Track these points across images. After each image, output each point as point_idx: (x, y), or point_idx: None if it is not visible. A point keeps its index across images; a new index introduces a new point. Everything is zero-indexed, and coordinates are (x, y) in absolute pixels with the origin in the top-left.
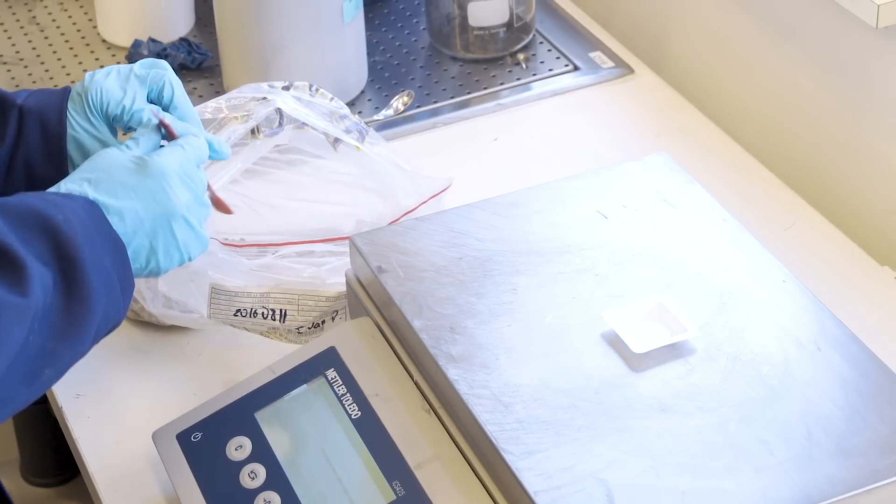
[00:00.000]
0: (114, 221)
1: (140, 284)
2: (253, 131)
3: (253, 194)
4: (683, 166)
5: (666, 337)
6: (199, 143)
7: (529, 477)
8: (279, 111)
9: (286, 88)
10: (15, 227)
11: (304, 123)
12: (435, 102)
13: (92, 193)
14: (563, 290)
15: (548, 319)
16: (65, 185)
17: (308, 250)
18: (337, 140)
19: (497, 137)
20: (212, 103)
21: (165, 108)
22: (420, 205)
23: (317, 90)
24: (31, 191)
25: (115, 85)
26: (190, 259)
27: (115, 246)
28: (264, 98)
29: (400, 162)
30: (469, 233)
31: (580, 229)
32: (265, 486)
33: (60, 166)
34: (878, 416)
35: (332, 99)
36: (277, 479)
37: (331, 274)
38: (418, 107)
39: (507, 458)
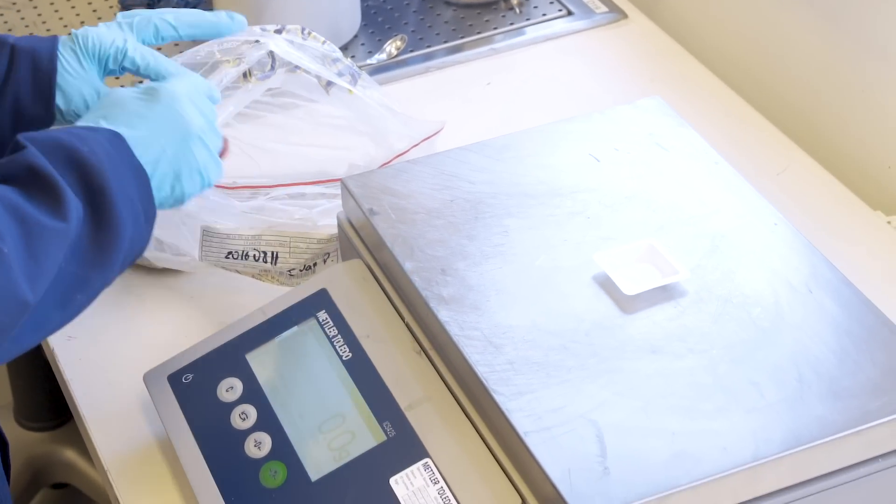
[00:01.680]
0: (137, 151)
1: None
2: (245, 74)
3: (245, 138)
4: (678, 111)
5: (657, 279)
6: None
7: (520, 417)
8: (271, 54)
9: (278, 31)
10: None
11: (296, 67)
12: (428, 47)
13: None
14: (554, 233)
15: (539, 262)
16: (82, 123)
17: (299, 192)
18: (329, 83)
19: (490, 82)
20: (204, 47)
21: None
22: (412, 147)
23: (309, 33)
24: (17, 131)
25: (105, 31)
26: (209, 185)
27: (138, 174)
28: (256, 41)
29: (392, 105)
30: (461, 175)
31: (572, 172)
32: (256, 427)
33: (49, 106)
34: (868, 359)
35: (324, 42)
36: (268, 420)
37: (322, 216)
38: (411, 51)
39: (498, 398)
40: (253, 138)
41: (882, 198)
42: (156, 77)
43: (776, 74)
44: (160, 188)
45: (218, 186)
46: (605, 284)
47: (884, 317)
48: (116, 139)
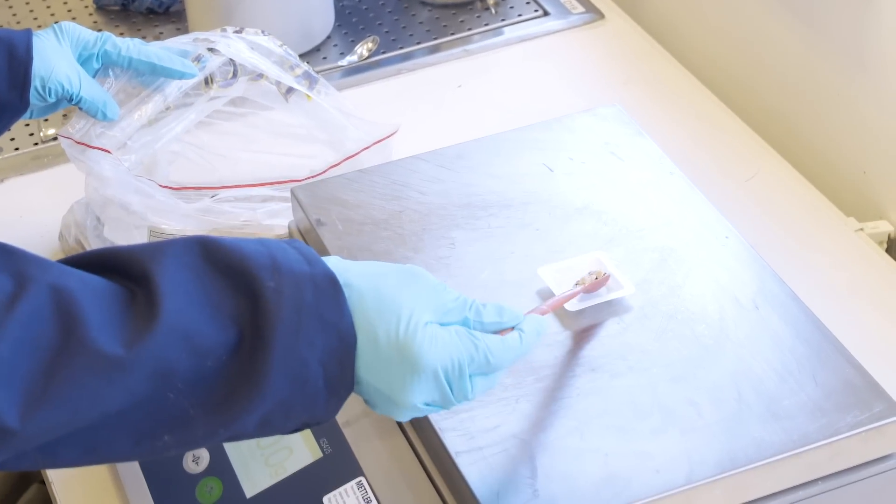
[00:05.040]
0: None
1: (86, 231)
2: (206, 81)
3: (205, 145)
4: (649, 114)
5: (601, 294)
6: (506, 348)
7: (452, 437)
8: (233, 62)
9: (237, 32)
10: (215, 273)
11: (259, 75)
12: (401, 48)
13: (351, 302)
14: (501, 246)
15: (484, 275)
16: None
17: (247, 195)
18: (289, 90)
19: (461, 84)
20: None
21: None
22: (362, 150)
23: (268, 35)
24: None
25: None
26: None
27: (340, 338)
28: (212, 48)
29: (349, 109)
30: (412, 185)
31: (524, 183)
32: None
33: (23, 95)
34: (811, 379)
35: (281, 45)
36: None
37: (268, 217)
38: (384, 52)
39: (432, 417)
40: (212, 145)
41: (856, 204)
42: (136, 66)
43: (755, 75)
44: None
45: (163, 186)
46: (549, 299)
47: (830, 334)
48: (330, 286)
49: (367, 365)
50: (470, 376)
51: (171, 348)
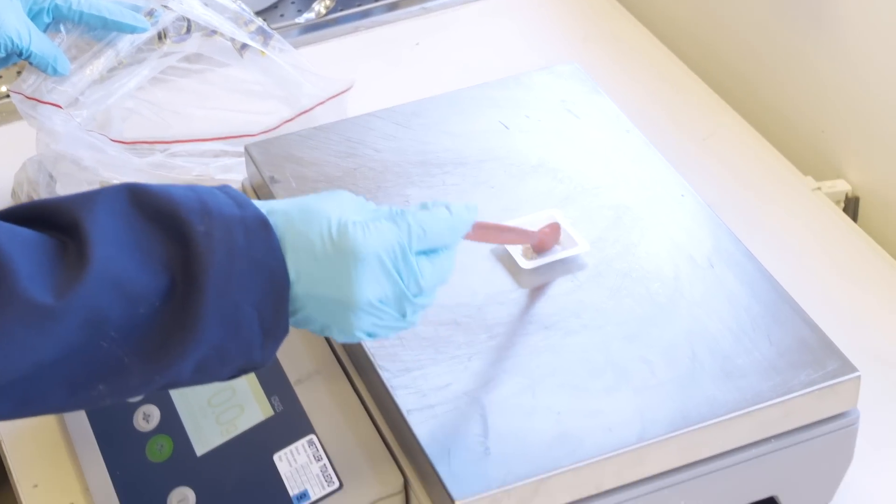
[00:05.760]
0: (288, 258)
1: (39, 188)
2: (159, 36)
3: (159, 101)
4: (607, 72)
5: (556, 252)
6: (438, 222)
7: (403, 395)
8: (186, 19)
9: None
10: (144, 219)
11: (212, 31)
12: (359, 6)
13: (279, 229)
14: None
15: None
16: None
17: (200, 150)
18: (244, 46)
19: (419, 42)
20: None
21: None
22: (317, 105)
23: None
24: None
25: None
26: (382, 337)
27: (273, 280)
28: (164, 4)
29: (304, 65)
30: (367, 143)
31: (480, 140)
32: (145, 401)
33: None
34: (765, 337)
35: (235, 0)
36: (158, 393)
37: (220, 171)
38: (341, 10)
39: (383, 375)
40: (167, 102)
41: (813, 163)
42: (87, 21)
43: (713, 34)
44: (309, 322)
45: (115, 142)
46: (503, 258)
47: (785, 293)
48: (262, 230)
49: (308, 278)
50: (416, 257)
51: (103, 296)
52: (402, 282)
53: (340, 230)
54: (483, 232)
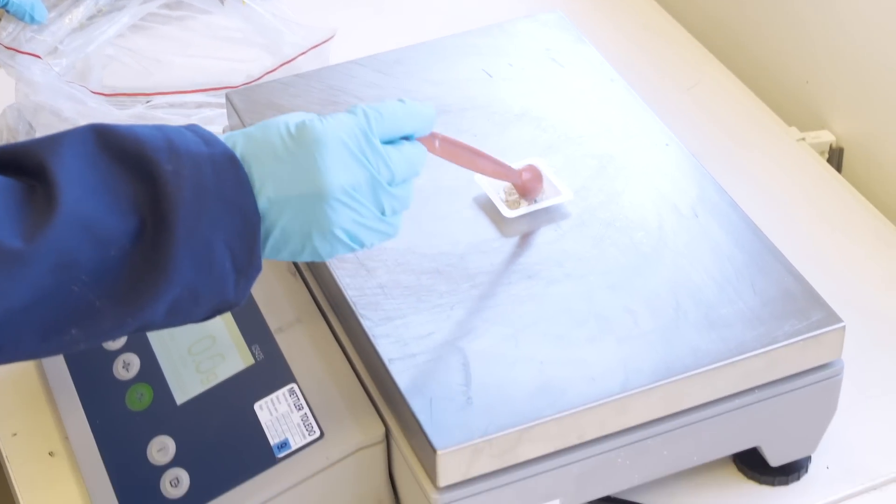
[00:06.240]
0: (256, 189)
1: (19, 137)
2: None
3: (139, 49)
4: (592, 21)
5: (539, 200)
6: (393, 108)
7: (385, 344)
8: None
9: None
10: (111, 160)
11: None
12: None
13: (240, 149)
14: None
15: (420, 181)
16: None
17: (181, 101)
18: None
19: None
20: None
21: None
22: (299, 55)
23: None
24: None
25: None
26: (362, 248)
27: (244, 217)
28: None
29: (286, 13)
30: (349, 90)
31: (463, 88)
32: (125, 349)
33: None
34: (749, 287)
35: None
36: (138, 341)
37: (202, 123)
38: None
39: (365, 324)
40: (148, 50)
41: (798, 113)
42: None
43: None
44: (286, 241)
45: (96, 93)
46: (486, 206)
47: (769, 243)
48: (230, 166)
49: (275, 181)
50: (381, 144)
51: (72, 239)
52: (371, 165)
53: (298, 126)
54: (451, 149)
